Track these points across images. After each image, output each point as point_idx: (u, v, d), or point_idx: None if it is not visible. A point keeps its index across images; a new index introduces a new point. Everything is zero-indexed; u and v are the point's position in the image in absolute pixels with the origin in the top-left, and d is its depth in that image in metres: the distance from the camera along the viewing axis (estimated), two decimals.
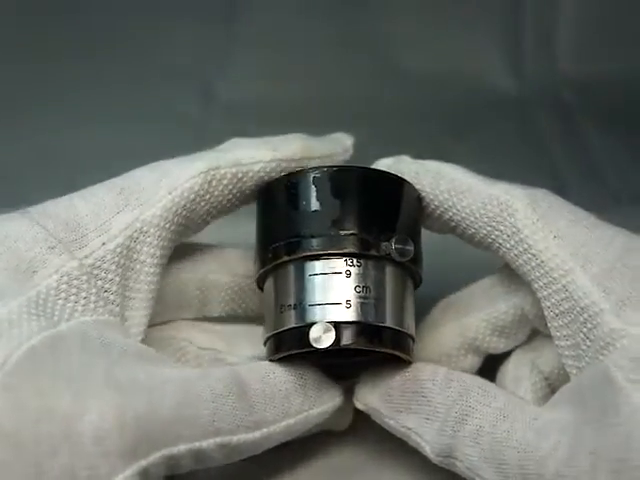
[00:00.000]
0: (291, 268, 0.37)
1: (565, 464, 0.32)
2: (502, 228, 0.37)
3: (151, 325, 0.40)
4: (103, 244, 0.37)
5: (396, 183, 0.38)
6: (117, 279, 0.37)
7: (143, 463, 0.32)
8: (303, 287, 0.36)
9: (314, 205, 0.37)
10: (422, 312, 0.43)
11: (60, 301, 0.35)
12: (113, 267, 0.37)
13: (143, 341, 0.38)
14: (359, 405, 0.39)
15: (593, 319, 0.35)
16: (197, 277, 0.42)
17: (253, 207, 0.41)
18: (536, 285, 0.37)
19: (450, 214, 0.39)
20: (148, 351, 0.36)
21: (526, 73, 0.75)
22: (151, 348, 0.37)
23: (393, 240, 0.37)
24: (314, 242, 0.36)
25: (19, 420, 0.30)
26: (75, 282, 0.35)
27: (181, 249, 0.41)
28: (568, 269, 0.36)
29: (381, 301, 0.37)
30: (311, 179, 0.37)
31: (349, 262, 0.36)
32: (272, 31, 0.76)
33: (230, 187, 0.39)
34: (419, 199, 0.40)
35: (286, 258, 0.37)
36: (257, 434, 0.35)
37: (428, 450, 0.36)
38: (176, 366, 0.37)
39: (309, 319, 0.36)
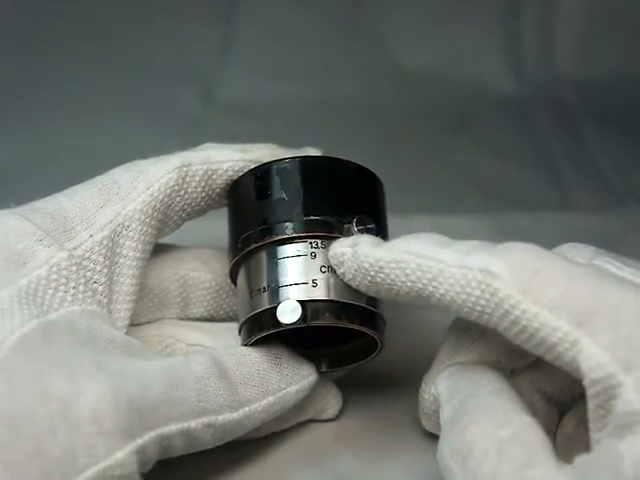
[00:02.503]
0: (260, 254, 0.38)
1: None
2: (489, 311, 0.33)
3: (137, 324, 0.41)
4: (91, 236, 0.38)
5: (354, 169, 0.40)
6: (105, 271, 0.38)
7: (139, 442, 0.33)
8: (272, 271, 0.38)
9: (279, 194, 0.39)
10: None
11: (50, 291, 0.36)
12: (101, 259, 0.38)
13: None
14: None
15: (609, 391, 0.31)
16: (179, 274, 0.43)
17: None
18: (546, 358, 0.34)
19: (432, 301, 0.35)
20: (133, 342, 0.37)
21: (526, 73, 0.75)
22: (136, 340, 0.38)
23: (354, 221, 0.38)
24: (280, 228, 0.38)
25: (16, 403, 0.31)
26: (64, 272, 0.36)
27: (163, 249, 0.43)
28: (574, 340, 0.31)
29: None
30: (275, 170, 0.39)
31: (314, 245, 0.38)
32: (272, 31, 0.76)
33: (202, 184, 0.41)
34: (378, 182, 0.41)
35: (254, 245, 0.38)
36: (240, 413, 0.37)
37: None
38: (159, 356, 0.38)
39: (278, 300, 0.37)
